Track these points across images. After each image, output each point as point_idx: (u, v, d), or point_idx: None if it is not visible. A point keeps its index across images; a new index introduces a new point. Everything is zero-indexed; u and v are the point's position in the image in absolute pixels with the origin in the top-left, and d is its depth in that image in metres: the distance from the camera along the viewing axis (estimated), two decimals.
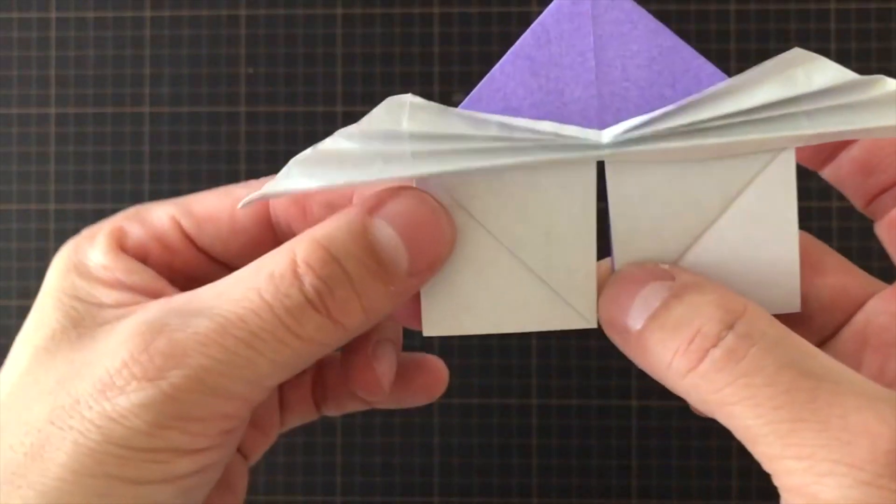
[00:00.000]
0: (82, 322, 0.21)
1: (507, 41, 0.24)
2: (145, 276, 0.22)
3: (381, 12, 0.44)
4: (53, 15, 0.45)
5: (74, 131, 0.44)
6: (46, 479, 0.19)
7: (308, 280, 0.20)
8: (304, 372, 0.27)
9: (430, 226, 0.21)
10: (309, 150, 0.20)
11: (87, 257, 0.22)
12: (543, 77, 0.21)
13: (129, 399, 0.19)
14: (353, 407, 0.28)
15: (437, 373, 0.27)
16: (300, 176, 0.20)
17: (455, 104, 0.21)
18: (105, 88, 0.44)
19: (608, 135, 0.20)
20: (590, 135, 0.20)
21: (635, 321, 0.20)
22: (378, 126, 0.20)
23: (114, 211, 0.25)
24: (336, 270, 0.20)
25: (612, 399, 0.43)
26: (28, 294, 0.44)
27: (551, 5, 0.21)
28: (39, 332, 0.21)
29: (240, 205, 0.22)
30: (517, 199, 0.21)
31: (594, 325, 0.22)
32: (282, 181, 0.20)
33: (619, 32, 0.21)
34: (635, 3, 0.21)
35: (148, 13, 0.44)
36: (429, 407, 0.43)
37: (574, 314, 0.22)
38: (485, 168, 0.20)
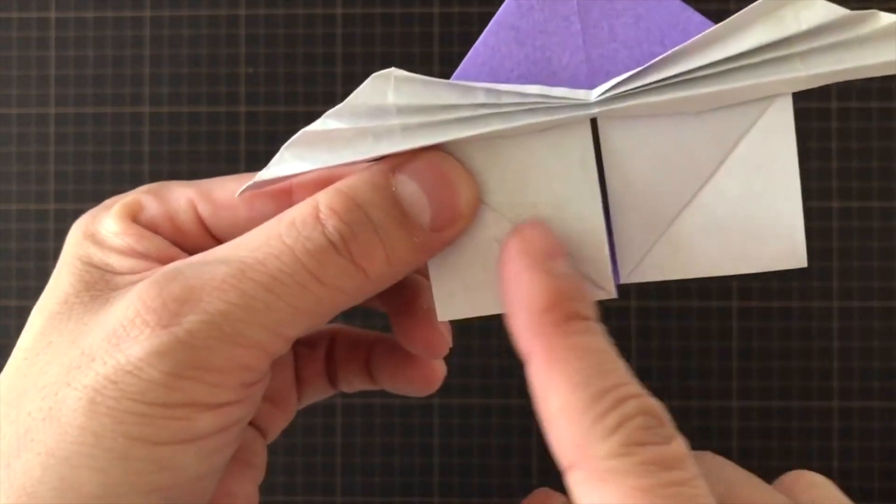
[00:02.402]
0: (95, 285, 0.21)
1: None
2: (158, 242, 0.22)
3: (381, 12, 0.44)
4: (53, 15, 0.45)
5: (74, 131, 0.44)
6: (65, 443, 0.18)
7: (331, 223, 0.20)
8: (317, 347, 0.27)
9: (452, 181, 0.20)
10: (298, 133, 0.20)
11: (101, 225, 0.22)
12: (529, 46, 0.21)
13: (142, 347, 0.19)
14: (361, 385, 0.27)
15: (430, 370, 0.27)
16: (292, 160, 0.20)
17: None
18: (105, 88, 0.44)
19: (596, 93, 0.20)
20: (578, 94, 0.20)
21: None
22: (364, 101, 0.20)
23: None
24: (360, 215, 0.20)
25: None
26: (28, 294, 0.44)
27: None
28: (53, 298, 0.21)
29: (237, 194, 0.22)
30: (516, 172, 0.21)
31: (614, 295, 0.21)
32: (274, 167, 0.21)
33: None
34: None
35: (148, 13, 0.44)
36: (429, 407, 0.43)
37: (589, 285, 0.21)
38: (474, 136, 0.20)
